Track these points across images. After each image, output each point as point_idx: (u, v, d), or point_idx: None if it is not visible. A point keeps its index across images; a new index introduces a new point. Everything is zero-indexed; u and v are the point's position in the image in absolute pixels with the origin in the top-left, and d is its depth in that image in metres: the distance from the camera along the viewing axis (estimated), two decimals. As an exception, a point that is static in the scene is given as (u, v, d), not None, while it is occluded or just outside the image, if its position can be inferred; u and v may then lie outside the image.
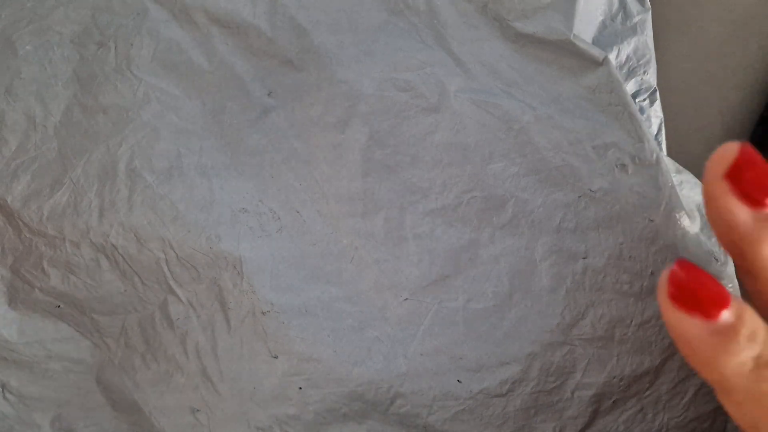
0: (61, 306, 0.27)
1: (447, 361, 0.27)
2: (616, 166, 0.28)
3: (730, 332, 0.18)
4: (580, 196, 0.28)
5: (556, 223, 0.28)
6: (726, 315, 0.18)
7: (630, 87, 0.29)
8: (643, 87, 0.29)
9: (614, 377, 0.28)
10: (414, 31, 0.29)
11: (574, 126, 0.28)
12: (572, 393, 0.28)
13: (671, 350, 0.28)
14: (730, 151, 0.19)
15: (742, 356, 0.18)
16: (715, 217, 0.20)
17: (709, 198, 0.19)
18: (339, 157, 0.28)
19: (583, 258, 0.28)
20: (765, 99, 0.34)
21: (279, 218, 0.27)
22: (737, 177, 0.19)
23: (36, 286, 0.27)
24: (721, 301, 0.18)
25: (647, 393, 0.29)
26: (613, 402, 0.28)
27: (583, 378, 0.28)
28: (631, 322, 0.28)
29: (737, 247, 0.20)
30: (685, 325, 0.18)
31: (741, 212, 0.19)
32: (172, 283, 0.27)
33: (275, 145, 0.28)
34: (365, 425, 0.28)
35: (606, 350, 0.28)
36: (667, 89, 0.30)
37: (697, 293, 0.18)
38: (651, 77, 0.29)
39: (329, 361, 0.27)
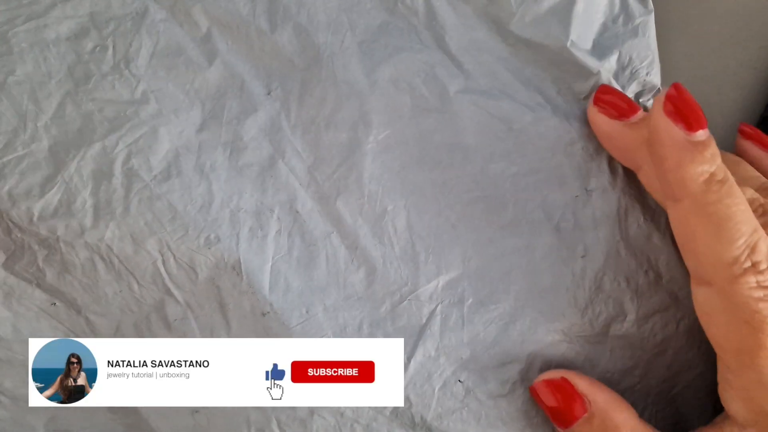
0: (57, 304, 0.27)
1: (448, 361, 0.28)
2: (611, 166, 0.28)
3: (700, 145, 0.24)
4: (577, 196, 0.28)
5: (555, 222, 0.28)
6: (701, 133, 0.24)
7: (633, 88, 0.29)
8: (647, 87, 0.29)
9: (607, 372, 0.28)
10: (413, 32, 0.28)
11: (571, 127, 0.28)
12: (571, 392, 0.28)
13: (663, 346, 0.29)
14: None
15: (703, 167, 0.23)
16: (596, 129, 0.28)
17: (590, 120, 0.28)
18: (339, 157, 0.28)
19: (582, 257, 0.28)
20: (765, 99, 0.34)
21: (279, 218, 0.27)
22: (600, 100, 0.27)
23: (32, 283, 0.27)
24: (701, 122, 0.24)
25: (637, 387, 0.29)
26: (606, 397, 0.29)
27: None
28: (626, 318, 0.28)
29: (613, 150, 0.28)
30: (670, 129, 0.24)
31: (604, 122, 0.27)
32: (169, 284, 0.27)
33: (275, 144, 0.27)
34: (366, 426, 0.28)
35: (601, 346, 0.28)
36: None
37: (686, 110, 0.24)
38: (654, 78, 0.29)
39: (330, 362, 0.27)
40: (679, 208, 0.24)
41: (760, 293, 0.23)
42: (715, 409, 0.30)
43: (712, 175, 0.23)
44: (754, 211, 0.25)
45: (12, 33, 0.26)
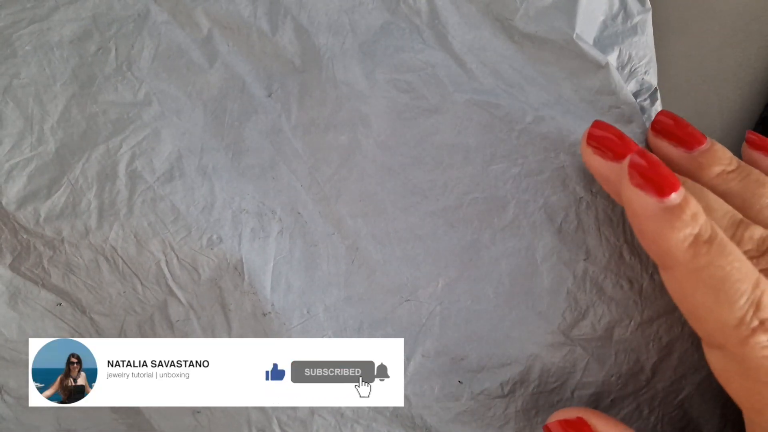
0: (62, 304, 0.27)
1: (448, 362, 0.27)
2: None
3: (676, 210, 0.22)
4: (580, 198, 0.28)
5: (557, 224, 0.28)
6: (675, 196, 0.22)
7: (631, 87, 0.29)
8: (644, 87, 0.29)
9: (612, 376, 0.28)
10: (415, 31, 0.29)
11: (576, 127, 0.28)
12: (572, 393, 0.28)
13: (668, 350, 0.28)
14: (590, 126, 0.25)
15: (685, 231, 0.22)
16: (592, 172, 0.26)
17: (585, 160, 0.26)
18: (340, 158, 0.28)
19: (584, 259, 0.28)
20: (765, 99, 0.34)
21: (280, 219, 0.27)
22: (595, 141, 0.25)
23: (37, 284, 0.27)
24: (672, 184, 0.22)
25: (643, 391, 0.29)
26: (611, 400, 0.28)
27: (583, 378, 0.28)
28: (630, 322, 0.28)
29: (614, 192, 0.25)
30: (641, 200, 0.22)
31: (604, 166, 0.25)
32: (172, 284, 0.27)
33: (276, 146, 0.28)
34: (366, 426, 0.28)
35: (605, 349, 0.28)
36: (667, 89, 0.30)
37: (653, 176, 0.22)
38: (652, 77, 0.29)
39: (331, 362, 0.27)
40: (671, 277, 0.23)
41: None
42: (723, 414, 0.29)
43: (697, 237, 0.22)
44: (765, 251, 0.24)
45: (16, 36, 0.27)
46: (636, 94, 0.29)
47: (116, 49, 0.27)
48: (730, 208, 0.24)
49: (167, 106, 0.27)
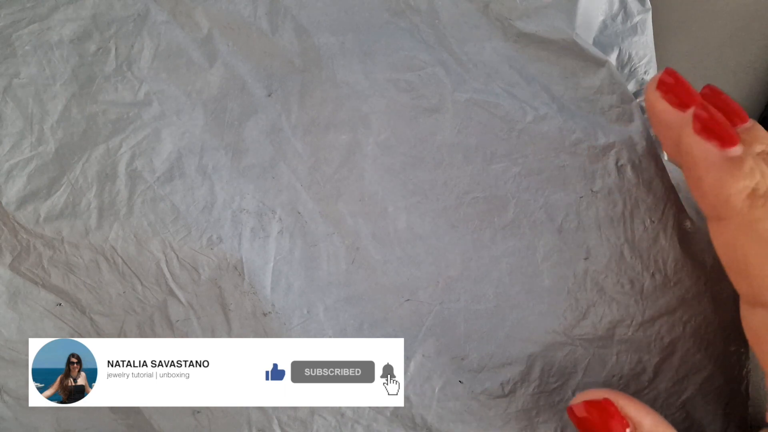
0: (62, 304, 0.27)
1: (448, 362, 0.27)
2: (618, 167, 0.28)
3: (737, 160, 0.22)
4: (581, 197, 0.28)
5: (557, 223, 0.28)
6: (736, 148, 0.22)
7: (631, 87, 0.29)
8: (644, 87, 0.29)
9: (614, 376, 0.28)
10: (415, 31, 0.29)
11: (576, 126, 0.28)
12: (573, 393, 0.28)
13: (670, 350, 0.28)
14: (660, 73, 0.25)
15: (743, 183, 0.22)
16: (653, 118, 0.25)
17: (649, 105, 0.25)
18: (340, 157, 0.28)
19: (585, 258, 0.28)
20: (765, 99, 0.34)
21: (280, 219, 0.27)
22: (665, 88, 0.24)
23: (37, 284, 0.27)
24: (734, 137, 0.23)
25: (645, 391, 0.29)
26: (613, 401, 0.28)
27: (584, 378, 0.28)
28: (632, 322, 0.28)
29: (672, 140, 0.25)
30: (703, 148, 0.23)
31: (670, 112, 0.24)
32: (172, 284, 0.27)
33: (276, 145, 0.28)
34: (367, 426, 0.28)
35: (606, 350, 0.28)
36: (667, 89, 0.30)
37: (716, 127, 0.23)
38: (651, 77, 0.29)
39: (331, 362, 0.27)
40: (724, 229, 0.23)
41: None
42: (725, 414, 0.29)
43: (755, 189, 0.22)
44: None
45: (16, 36, 0.27)
46: (636, 94, 0.29)
47: (116, 49, 0.27)
48: None
49: (167, 105, 0.27)
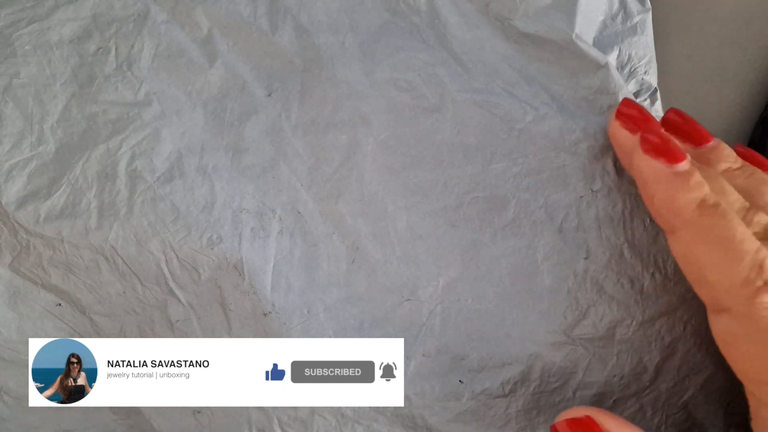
0: (62, 304, 0.27)
1: (449, 361, 0.27)
2: (617, 167, 0.28)
3: (685, 174, 0.24)
4: (581, 197, 0.28)
5: (557, 223, 0.28)
6: (683, 164, 0.24)
7: (631, 87, 0.29)
8: (644, 87, 0.29)
9: (614, 376, 0.28)
10: (415, 31, 0.29)
11: (576, 126, 0.28)
12: (574, 393, 0.28)
13: (671, 349, 0.28)
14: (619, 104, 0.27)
15: (692, 195, 0.24)
16: (615, 147, 0.27)
17: (610, 135, 0.27)
18: (340, 157, 0.28)
19: (585, 258, 0.28)
20: (765, 99, 0.34)
21: (280, 219, 0.27)
22: (623, 117, 0.27)
23: (37, 284, 0.27)
24: (680, 154, 0.24)
25: (647, 392, 0.29)
26: (614, 401, 0.28)
27: (585, 378, 0.28)
28: (632, 321, 0.28)
29: (630, 163, 0.26)
30: (652, 166, 0.25)
31: (626, 137, 0.26)
32: (172, 284, 0.27)
33: (276, 145, 0.28)
34: (367, 426, 0.28)
35: (607, 349, 0.28)
36: (667, 89, 0.30)
37: (663, 146, 0.25)
38: (651, 77, 0.29)
39: (331, 362, 0.27)
40: (679, 239, 0.24)
41: None
42: (727, 415, 0.29)
43: (703, 200, 0.23)
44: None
45: (16, 36, 0.27)
46: (636, 94, 0.29)
47: (116, 49, 0.27)
48: (739, 195, 0.25)
49: (167, 105, 0.27)
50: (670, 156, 0.24)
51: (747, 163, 0.27)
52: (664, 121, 0.28)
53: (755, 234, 0.24)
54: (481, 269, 0.28)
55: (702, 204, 0.23)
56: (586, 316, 0.28)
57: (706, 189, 0.24)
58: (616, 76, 0.28)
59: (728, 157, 0.27)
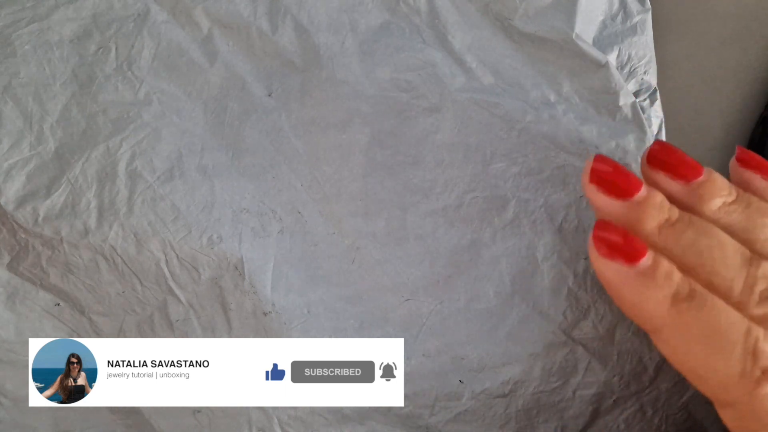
0: (61, 304, 0.27)
1: (449, 361, 0.27)
2: None
3: (649, 272, 0.22)
4: (581, 196, 0.28)
5: (557, 223, 0.28)
6: (644, 260, 0.22)
7: (630, 87, 0.29)
8: (644, 87, 0.29)
9: (614, 376, 0.28)
10: (415, 31, 0.29)
11: (576, 126, 0.28)
12: (574, 392, 0.28)
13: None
14: (590, 160, 0.24)
15: (662, 293, 0.21)
16: (597, 214, 0.24)
17: (589, 199, 0.24)
18: (340, 157, 0.28)
19: (585, 258, 0.28)
20: (765, 99, 0.34)
21: (280, 219, 0.27)
22: (600, 178, 0.24)
23: (36, 284, 0.27)
24: (640, 249, 0.22)
25: (647, 391, 0.29)
26: (614, 401, 0.28)
27: (585, 377, 0.28)
28: (632, 321, 0.28)
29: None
30: (613, 270, 0.22)
31: (613, 205, 0.24)
32: (172, 284, 0.27)
33: (276, 145, 0.28)
34: (367, 426, 0.28)
35: (606, 349, 0.28)
36: (667, 89, 0.30)
37: (620, 245, 0.22)
38: (651, 77, 0.29)
39: (331, 362, 0.27)
40: (661, 340, 0.22)
41: None
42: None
43: (675, 295, 0.21)
44: None
45: (16, 35, 0.27)
46: (636, 94, 0.29)
47: (116, 49, 0.27)
48: (739, 245, 0.23)
49: (167, 105, 0.27)
50: (629, 256, 0.22)
51: (742, 192, 0.25)
52: (650, 157, 0.25)
53: (763, 292, 0.22)
54: (481, 269, 0.28)
55: (675, 299, 0.21)
56: (586, 316, 0.28)
57: (676, 279, 0.22)
58: (616, 75, 0.28)
59: (721, 191, 0.24)
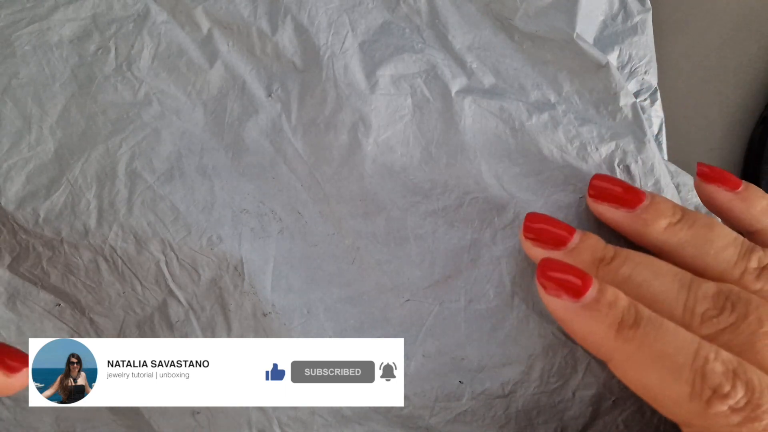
0: (61, 305, 0.27)
1: (449, 362, 0.27)
2: (618, 167, 0.28)
3: (593, 304, 0.22)
4: (581, 197, 0.28)
5: None
6: (590, 292, 0.23)
7: (631, 87, 0.29)
8: (644, 87, 0.29)
9: (613, 377, 0.28)
10: (416, 31, 0.29)
11: (576, 126, 0.28)
12: (573, 393, 0.28)
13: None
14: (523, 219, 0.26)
15: (607, 322, 0.22)
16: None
17: (527, 254, 0.27)
18: (340, 157, 0.28)
19: None
20: (765, 99, 0.34)
21: (280, 219, 0.27)
22: (533, 235, 0.26)
23: (36, 285, 0.27)
24: (583, 283, 0.23)
25: None
26: (613, 401, 0.28)
27: (584, 378, 0.28)
28: None
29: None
30: (560, 306, 0.23)
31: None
32: (171, 284, 0.27)
33: (276, 145, 0.28)
34: (367, 427, 0.28)
35: None
36: (667, 89, 0.30)
37: (563, 279, 0.23)
38: (651, 77, 0.29)
39: (331, 362, 0.27)
40: (614, 368, 0.23)
41: (736, 418, 0.20)
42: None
43: (621, 323, 0.22)
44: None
45: (15, 36, 0.27)
46: (636, 94, 0.29)
47: (116, 49, 0.27)
48: (677, 269, 0.24)
49: (167, 105, 0.27)
50: (575, 291, 0.23)
51: (688, 211, 0.26)
52: (591, 190, 0.27)
53: (705, 313, 0.23)
54: (481, 269, 0.28)
55: (621, 327, 0.22)
56: (586, 316, 0.28)
57: (621, 306, 0.22)
58: (616, 75, 0.28)
59: (665, 212, 0.25)
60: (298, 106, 0.28)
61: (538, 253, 0.25)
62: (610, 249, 0.25)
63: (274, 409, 0.27)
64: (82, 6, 0.27)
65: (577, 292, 0.23)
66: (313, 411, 0.27)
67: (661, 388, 0.21)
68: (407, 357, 0.27)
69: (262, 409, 0.27)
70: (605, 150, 0.28)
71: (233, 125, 0.28)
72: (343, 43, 0.28)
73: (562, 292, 0.23)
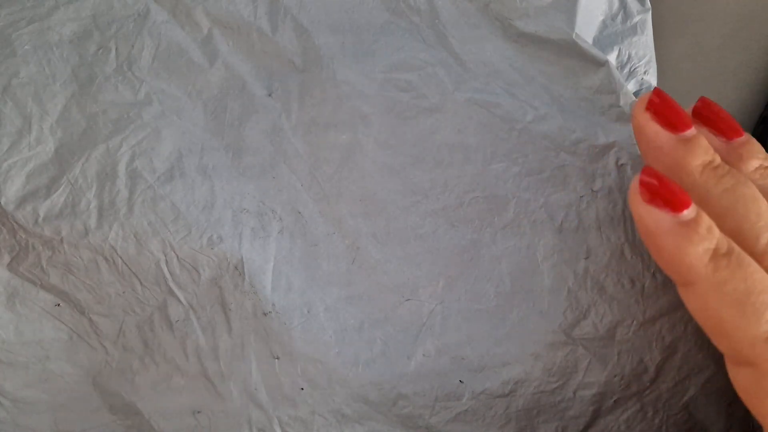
0: (61, 305, 0.27)
1: (449, 361, 0.27)
2: (618, 166, 0.28)
3: (692, 223, 0.22)
4: (581, 196, 0.28)
5: (557, 223, 0.28)
6: (688, 211, 0.22)
7: (630, 87, 0.29)
8: (644, 86, 0.29)
9: (615, 376, 0.28)
10: (415, 30, 0.29)
11: (576, 126, 0.28)
12: (574, 393, 0.28)
13: (671, 349, 0.28)
14: (648, 92, 0.24)
15: (703, 246, 0.21)
16: (643, 143, 0.24)
17: (637, 127, 0.24)
18: (340, 157, 0.28)
19: (585, 258, 0.28)
20: (765, 99, 0.34)
21: (280, 219, 0.27)
22: (656, 109, 0.24)
23: (36, 284, 0.27)
24: (684, 200, 0.22)
25: (647, 392, 0.29)
26: (614, 401, 0.28)
27: (585, 378, 0.28)
28: (633, 321, 0.28)
29: (665, 166, 0.24)
30: (655, 217, 0.22)
31: (663, 135, 0.24)
32: (171, 284, 0.27)
33: (277, 145, 0.28)
34: (367, 426, 0.28)
35: (607, 349, 0.28)
36: (667, 89, 0.30)
37: (665, 193, 0.22)
38: (651, 77, 0.29)
39: (331, 362, 0.27)
40: (692, 293, 0.22)
41: None
42: (729, 415, 0.29)
43: (716, 250, 0.21)
44: None
45: (16, 35, 0.27)
46: (636, 94, 0.29)
47: (116, 49, 0.27)
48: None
49: (167, 105, 0.27)
50: (675, 204, 0.22)
51: None
52: (694, 112, 0.25)
53: None
54: (482, 269, 0.28)
55: (714, 255, 0.21)
56: (586, 316, 0.28)
57: (716, 235, 0.22)
58: (616, 75, 0.28)
59: (759, 153, 0.25)
60: (298, 105, 0.28)
61: (653, 129, 0.24)
62: (718, 157, 0.24)
63: (275, 408, 0.27)
64: (82, 6, 0.27)
65: (676, 206, 0.22)
66: (313, 411, 0.27)
67: (741, 324, 0.21)
68: (407, 357, 0.27)
69: (262, 409, 0.27)
70: (605, 149, 0.28)
71: (233, 125, 0.28)
72: (343, 42, 0.28)
73: (660, 202, 0.22)
